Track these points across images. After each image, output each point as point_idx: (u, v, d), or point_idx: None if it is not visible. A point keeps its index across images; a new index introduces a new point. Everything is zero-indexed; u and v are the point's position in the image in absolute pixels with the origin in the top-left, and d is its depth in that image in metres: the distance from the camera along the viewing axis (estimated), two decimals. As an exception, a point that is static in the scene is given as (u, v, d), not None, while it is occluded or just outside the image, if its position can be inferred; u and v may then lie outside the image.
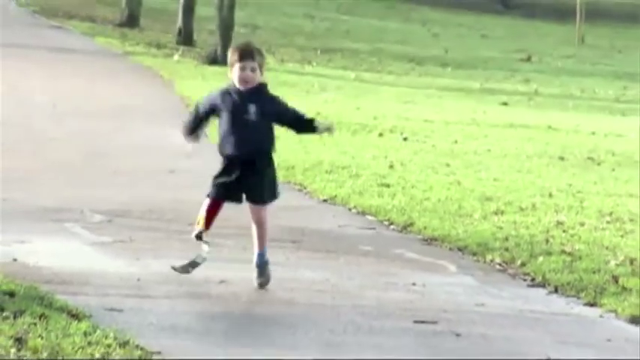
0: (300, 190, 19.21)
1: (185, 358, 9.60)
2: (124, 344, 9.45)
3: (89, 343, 9.59)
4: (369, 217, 16.88)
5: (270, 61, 43.87)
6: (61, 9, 48.48)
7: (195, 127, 11.16)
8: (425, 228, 16.41)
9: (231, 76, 10.59)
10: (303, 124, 10.85)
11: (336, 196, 18.64)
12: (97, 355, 9.36)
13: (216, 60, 36.25)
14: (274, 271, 11.70)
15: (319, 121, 10.73)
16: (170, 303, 11.55)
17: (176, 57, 36.34)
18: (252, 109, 10.46)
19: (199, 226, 10.55)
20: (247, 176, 10.71)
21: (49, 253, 13.20)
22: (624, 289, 13.33)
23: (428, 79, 41.06)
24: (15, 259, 12.55)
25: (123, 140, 24.15)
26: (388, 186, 19.44)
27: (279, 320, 10.89)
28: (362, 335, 10.57)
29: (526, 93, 39.77)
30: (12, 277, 11.67)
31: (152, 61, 36.04)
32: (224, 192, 10.80)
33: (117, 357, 9.37)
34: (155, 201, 17.25)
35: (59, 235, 14.17)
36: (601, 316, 12.28)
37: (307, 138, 23.92)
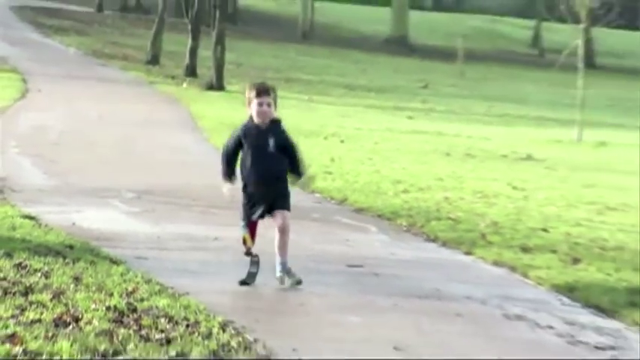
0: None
1: (190, 291, 9.31)
2: (148, 281, 9.47)
3: (124, 281, 9.52)
4: (317, 195, 16.82)
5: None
6: (104, 52, 50.80)
7: (230, 167, 9.76)
8: (355, 202, 16.37)
9: (248, 109, 9.46)
10: (295, 167, 9.66)
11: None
12: (129, 289, 9.15)
13: (212, 87, 37.07)
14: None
15: (304, 175, 9.95)
16: (180, 253, 11.50)
17: (185, 85, 36.99)
18: (272, 142, 9.39)
19: (247, 245, 9.58)
20: (270, 194, 9.66)
21: (97, 219, 13.17)
22: (490, 243, 13.19)
23: (358, 100, 41.22)
24: (73, 223, 12.57)
25: (148, 141, 24.01)
26: (330, 173, 19.53)
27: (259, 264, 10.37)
28: (312, 275, 10.30)
29: (424, 110, 40.31)
30: (71, 235, 11.71)
31: (168, 88, 36.46)
32: (252, 215, 9.66)
33: (146, 293, 9.07)
34: (170, 183, 17.18)
35: (103, 207, 14.24)
36: (474, 262, 12.23)
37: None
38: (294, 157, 9.32)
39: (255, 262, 9.22)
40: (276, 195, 9.33)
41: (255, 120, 9.24)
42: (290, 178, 9.51)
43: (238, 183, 9.40)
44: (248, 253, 9.23)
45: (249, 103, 9.21)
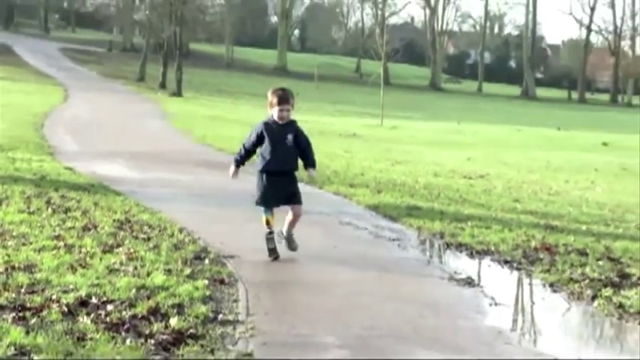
0: (218, 150, 17.62)
1: (162, 210, 9.06)
2: (137, 205, 9.57)
3: (123, 204, 9.53)
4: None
5: (197, 94, 43.32)
6: (112, 74, 52.07)
7: (247, 157, 7.32)
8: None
9: (270, 111, 7.17)
10: (308, 159, 7.16)
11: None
12: (126, 209, 9.10)
13: (175, 94, 35.57)
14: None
15: (312, 169, 7.20)
16: (157, 189, 11.16)
17: (159, 94, 35.45)
18: (290, 137, 7.05)
19: (269, 225, 7.07)
20: (285, 185, 7.11)
21: (107, 169, 12.87)
22: (332, 182, 12.50)
23: (261, 102, 39.65)
24: (94, 172, 12.51)
25: (137, 125, 24.73)
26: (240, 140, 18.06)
27: (215, 194, 10.65)
28: (230, 200, 9.93)
29: (296, 108, 36.43)
30: (93, 178, 11.76)
31: (149, 95, 37.02)
32: (271, 201, 7.06)
33: (136, 211, 8.94)
34: (150, 149, 17.13)
35: (111, 163, 13.97)
36: (324, 192, 11.40)
37: (218, 124, 24.14)
38: (308, 151, 7.26)
39: (271, 238, 7.16)
40: (291, 190, 7.15)
41: (276, 119, 7.20)
42: (302, 170, 7.36)
43: (242, 175, 7.68)
44: (270, 232, 7.13)
45: (271, 107, 7.19)
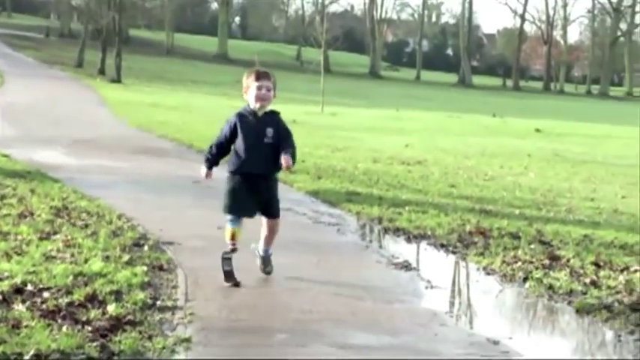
0: (158, 136, 17.85)
1: (100, 197, 8.95)
2: (75, 192, 9.41)
3: (61, 191, 9.32)
4: (175, 142, 15.43)
5: (136, 81, 42.91)
6: (50, 60, 51.33)
7: (220, 157, 5.70)
8: (198, 146, 14.70)
9: (246, 97, 5.69)
10: (284, 145, 5.52)
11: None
12: (64, 196, 8.95)
13: (114, 81, 34.98)
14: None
15: (288, 156, 5.46)
16: (95, 176, 10.90)
17: (98, 80, 34.93)
18: (270, 132, 5.53)
19: (234, 241, 5.58)
20: (262, 191, 5.62)
21: (45, 156, 12.66)
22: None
23: (199, 88, 39.56)
24: (31, 158, 12.33)
25: (75, 111, 23.61)
26: (182, 130, 17.79)
27: (155, 181, 10.44)
28: (173, 188, 9.95)
29: (238, 95, 36.50)
30: (30, 165, 11.53)
31: (88, 81, 35.14)
32: (243, 210, 5.59)
33: (74, 198, 8.74)
34: (88, 135, 16.52)
35: (49, 149, 13.72)
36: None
37: (158, 111, 23.89)
38: (288, 140, 5.65)
39: (228, 258, 5.68)
40: (269, 196, 5.73)
41: (253, 105, 5.71)
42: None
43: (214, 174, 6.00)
44: (233, 250, 5.71)
45: (247, 89, 5.73)
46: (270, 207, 5.87)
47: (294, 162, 5.74)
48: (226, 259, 5.78)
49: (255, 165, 5.69)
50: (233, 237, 5.82)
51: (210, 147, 5.94)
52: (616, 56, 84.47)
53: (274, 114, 5.84)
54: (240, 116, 5.79)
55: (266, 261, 6.09)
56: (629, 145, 23.01)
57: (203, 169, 5.92)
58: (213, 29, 77.74)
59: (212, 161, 5.88)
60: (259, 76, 5.76)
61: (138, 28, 68.42)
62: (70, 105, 25.48)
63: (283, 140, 5.74)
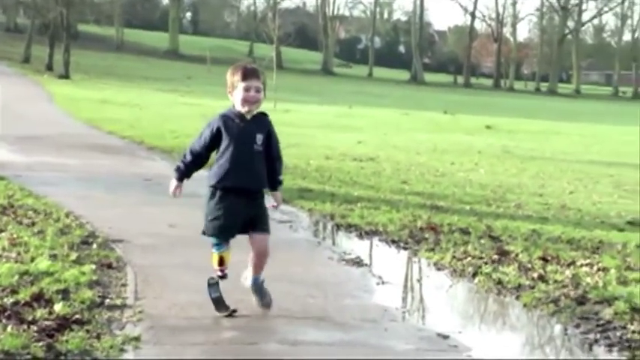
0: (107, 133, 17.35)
1: (47, 195, 8.79)
2: (22, 189, 9.18)
3: (7, 189, 9.09)
4: (127, 140, 15.41)
5: (86, 77, 42.42)
6: None
7: (196, 167, 4.78)
8: (149, 143, 14.65)
9: (232, 98, 4.82)
10: (274, 176, 4.78)
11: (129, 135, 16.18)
12: (10, 194, 8.65)
13: (62, 77, 36.51)
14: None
15: (278, 194, 4.89)
16: (42, 173, 10.70)
17: (45, 76, 34.17)
18: (260, 138, 4.71)
19: (219, 270, 4.82)
20: (249, 208, 4.73)
21: None
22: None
23: (150, 85, 39.87)
24: None
25: (22, 108, 22.83)
26: (134, 127, 18.22)
27: (104, 178, 10.34)
28: (123, 185, 9.85)
29: (188, 91, 44.26)
30: None
31: (35, 78, 34.95)
32: (229, 231, 4.75)
33: (20, 196, 8.53)
34: (37, 132, 16.10)
35: None
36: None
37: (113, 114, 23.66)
38: (278, 164, 4.95)
39: (215, 284, 4.95)
40: (260, 211, 4.86)
41: (240, 108, 4.85)
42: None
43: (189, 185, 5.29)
44: (222, 276, 4.97)
45: (233, 89, 4.86)
46: (259, 222, 4.90)
47: (281, 181, 5.05)
48: (213, 285, 5.06)
49: (243, 177, 4.83)
50: (221, 262, 5.04)
51: (184, 154, 5.05)
52: (564, 54, 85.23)
53: (264, 116, 5.02)
54: (225, 119, 4.91)
55: (261, 292, 5.09)
56: (577, 142, 23.15)
57: (172, 183, 5.00)
58: (164, 25, 76.60)
59: (184, 171, 4.98)
60: (246, 75, 4.90)
61: (87, 23, 67.52)
62: (16, 101, 25.05)
63: (272, 162, 4.91)
